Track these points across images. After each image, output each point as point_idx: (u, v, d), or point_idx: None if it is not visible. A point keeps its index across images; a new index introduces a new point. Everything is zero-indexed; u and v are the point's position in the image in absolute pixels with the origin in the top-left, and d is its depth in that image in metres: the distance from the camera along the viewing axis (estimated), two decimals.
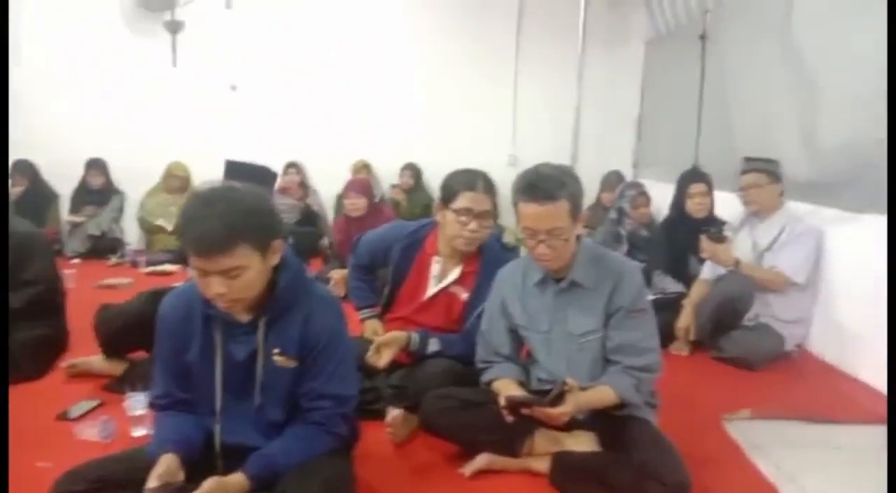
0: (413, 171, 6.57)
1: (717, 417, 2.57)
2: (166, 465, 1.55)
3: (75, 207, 6.24)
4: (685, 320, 3.39)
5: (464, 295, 2.47)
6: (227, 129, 6.40)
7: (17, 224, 3.14)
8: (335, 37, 6.60)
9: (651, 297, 3.72)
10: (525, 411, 1.94)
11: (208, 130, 6.39)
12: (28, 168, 6.10)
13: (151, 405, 1.82)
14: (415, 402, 2.24)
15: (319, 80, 6.61)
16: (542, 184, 1.95)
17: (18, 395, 2.70)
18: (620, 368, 2.05)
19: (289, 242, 3.37)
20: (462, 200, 2.35)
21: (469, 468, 2.09)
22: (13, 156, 6.04)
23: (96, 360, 2.90)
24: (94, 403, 2.61)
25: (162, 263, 5.48)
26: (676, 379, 2.99)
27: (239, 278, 1.50)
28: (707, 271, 3.49)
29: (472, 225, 2.36)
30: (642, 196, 4.22)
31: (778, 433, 2.41)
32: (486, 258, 2.46)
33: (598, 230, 4.50)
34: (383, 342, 2.32)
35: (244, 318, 1.65)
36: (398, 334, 2.37)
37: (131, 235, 6.39)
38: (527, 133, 6.75)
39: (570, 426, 2.08)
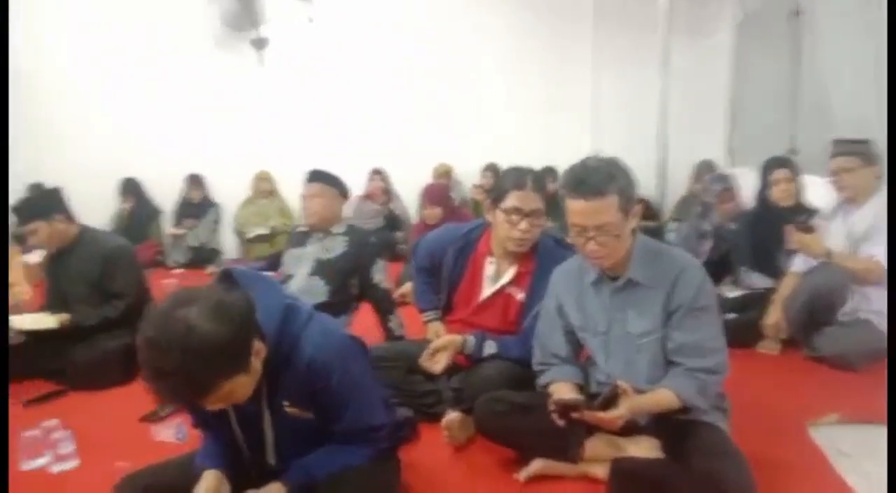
0: (493, 171, 6.53)
1: (803, 421, 2.38)
2: (208, 481, 1.59)
3: (177, 220, 6.63)
4: (774, 316, 3.16)
5: (519, 296, 2.42)
6: (312, 139, 6.59)
7: (109, 239, 3.37)
8: (414, 45, 6.68)
9: (737, 293, 3.56)
10: (575, 414, 1.87)
11: (294, 141, 6.62)
12: (134, 186, 6.57)
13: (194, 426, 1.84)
14: (472, 405, 2.20)
15: (400, 86, 6.72)
16: (589, 178, 1.87)
17: (109, 400, 2.91)
18: (682, 370, 1.93)
19: (371, 240, 3.39)
20: (511, 200, 2.30)
21: (524, 474, 2.04)
22: (121, 175, 6.53)
23: None
24: (168, 408, 2.74)
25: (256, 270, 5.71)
26: (761, 380, 2.82)
27: (229, 397, 1.43)
28: (798, 264, 3.24)
29: (523, 225, 2.30)
30: (728, 192, 3.99)
31: (867, 439, 2.20)
32: (541, 257, 2.40)
33: (683, 225, 4.30)
34: (438, 346, 2.31)
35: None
36: (453, 338, 2.35)
37: (228, 245, 6.70)
38: (609, 128, 6.56)
39: (632, 430, 1.99)
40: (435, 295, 2.70)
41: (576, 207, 1.90)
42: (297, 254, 3.16)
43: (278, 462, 1.66)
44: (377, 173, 6.52)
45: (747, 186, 4.05)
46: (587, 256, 1.97)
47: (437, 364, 2.30)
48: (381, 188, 6.46)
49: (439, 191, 4.80)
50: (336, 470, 1.61)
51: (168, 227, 6.62)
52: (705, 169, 5.61)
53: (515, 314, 2.43)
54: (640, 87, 6.45)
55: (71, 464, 2.25)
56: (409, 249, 5.50)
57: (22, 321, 3.12)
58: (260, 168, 6.56)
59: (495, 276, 2.45)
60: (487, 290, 2.46)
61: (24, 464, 2.25)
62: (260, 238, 6.33)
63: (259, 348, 1.45)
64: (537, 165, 4.85)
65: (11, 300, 4.16)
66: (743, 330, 3.16)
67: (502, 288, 2.44)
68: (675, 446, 1.92)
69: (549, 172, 6.07)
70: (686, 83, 6.39)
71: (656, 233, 5.09)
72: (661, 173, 5.65)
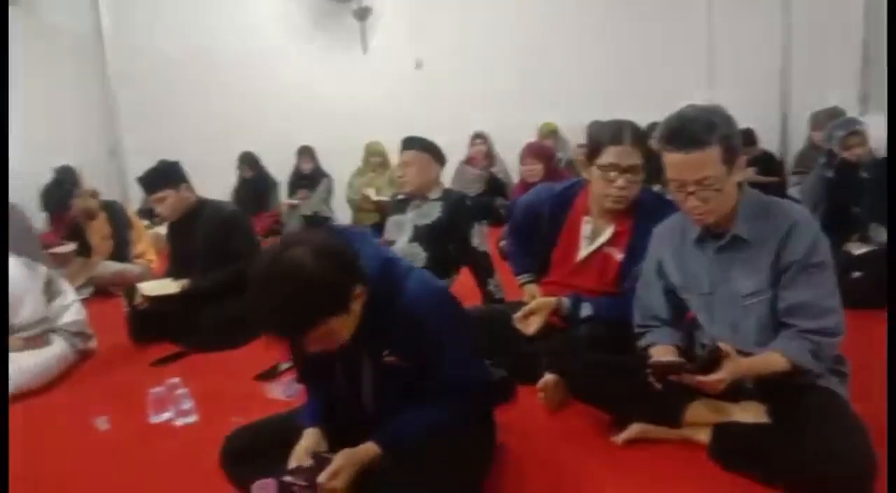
0: None
1: None
2: (309, 440, 1.65)
3: (291, 191, 6.92)
4: None
5: (618, 256, 2.33)
6: (415, 105, 6.63)
7: (224, 207, 3.58)
8: (514, 6, 6.51)
9: (865, 250, 3.27)
10: (673, 377, 1.80)
11: (398, 108, 6.68)
12: (252, 159, 6.91)
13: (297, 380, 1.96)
14: (567, 367, 2.17)
15: (501, 49, 6.59)
16: (688, 129, 1.76)
17: (227, 360, 3.10)
18: (794, 331, 1.80)
19: (467, 204, 3.41)
20: (607, 155, 2.20)
21: (622, 437, 1.98)
22: (239, 148, 6.88)
23: None
24: (287, 365, 2.88)
25: None
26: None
27: (329, 338, 1.49)
28: None
29: (620, 181, 2.20)
30: (855, 136, 3.63)
31: None
32: (640, 215, 2.29)
33: (808, 177, 3.98)
34: (532, 309, 2.27)
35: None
36: (546, 300, 2.30)
37: (340, 214, 6.92)
38: (725, 76, 6.14)
39: (738, 395, 1.88)
40: (529, 257, 2.65)
41: (674, 161, 1.79)
42: (398, 221, 3.21)
43: (375, 414, 1.70)
44: (479, 137, 6.48)
45: (880, 137, 3.68)
46: (688, 212, 1.86)
47: (531, 326, 2.27)
48: (482, 152, 6.42)
49: (540, 147, 4.69)
50: (428, 430, 1.62)
51: (284, 197, 6.93)
52: (827, 116, 5.14)
53: (614, 275, 2.35)
54: (760, 31, 6.00)
55: (191, 419, 2.43)
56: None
57: (146, 287, 3.37)
58: (368, 138, 6.68)
59: (592, 235, 2.37)
60: (584, 250, 2.39)
61: (153, 417, 2.44)
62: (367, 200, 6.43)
63: (360, 292, 1.51)
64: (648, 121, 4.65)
65: (139, 269, 4.53)
66: (871, 290, 2.90)
67: (600, 248, 2.36)
68: (785, 412, 1.80)
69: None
70: (811, 21, 5.87)
71: (779, 190, 4.75)
72: (783, 126, 5.25)
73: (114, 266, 4.50)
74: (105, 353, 3.29)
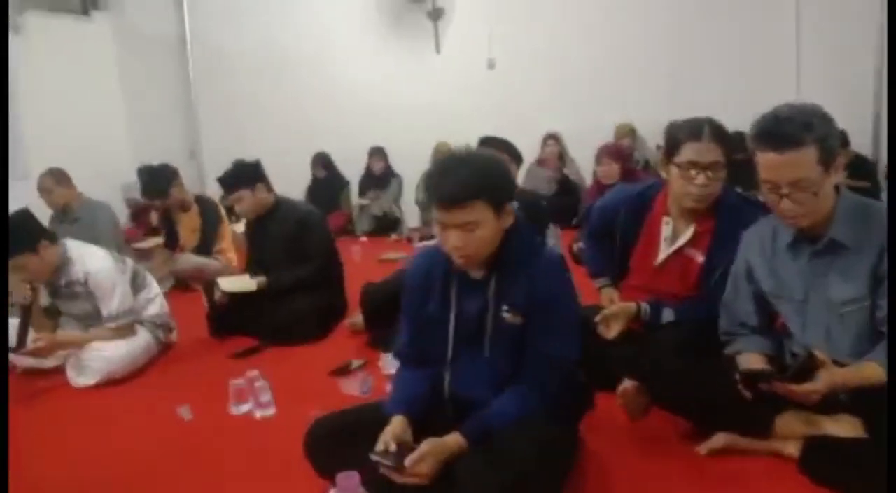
0: None
1: None
2: (395, 427, 1.67)
3: (362, 191, 7.03)
4: None
5: (699, 257, 2.25)
6: (487, 105, 6.62)
7: (302, 206, 3.66)
8: (588, 6, 6.41)
9: None
10: (764, 386, 1.72)
11: (470, 108, 6.69)
12: (325, 159, 7.05)
13: (396, 354, 1.98)
14: (648, 374, 2.11)
15: (575, 49, 6.50)
16: (782, 128, 1.69)
17: (302, 355, 3.16)
18: None
19: (542, 204, 3.42)
20: (686, 152, 2.13)
21: (705, 447, 1.92)
22: (314, 148, 7.03)
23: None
24: (360, 362, 2.93)
25: (433, 238, 5.91)
26: None
27: (474, 233, 1.59)
28: None
29: (700, 179, 2.12)
30: None
31: None
32: (722, 215, 2.21)
33: None
34: (611, 314, 2.22)
35: (477, 274, 1.73)
36: (626, 305, 2.25)
37: (409, 214, 6.98)
38: (814, 76, 5.86)
39: (831, 407, 1.79)
40: (606, 260, 2.60)
41: (767, 161, 1.72)
42: None
43: (472, 391, 1.73)
44: (552, 138, 6.42)
45: None
46: (781, 215, 1.79)
47: (611, 331, 2.21)
48: (555, 154, 6.35)
49: (617, 148, 4.61)
50: (511, 421, 1.62)
51: (355, 197, 7.04)
52: None
53: (695, 277, 2.27)
54: (854, 29, 5.70)
55: (270, 411, 2.48)
56: (583, 213, 5.38)
57: (226, 283, 3.48)
58: (437, 139, 6.70)
59: (673, 237, 2.30)
60: (664, 252, 2.32)
61: (233, 408, 2.51)
62: None
63: (510, 210, 1.66)
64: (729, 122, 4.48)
65: (219, 265, 4.67)
66: None
67: (680, 249, 2.29)
68: (882, 426, 1.70)
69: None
70: None
71: (871, 195, 4.51)
72: (875, 128, 4.98)
73: (196, 260, 4.66)
74: (185, 345, 3.41)
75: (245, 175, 3.49)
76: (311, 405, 2.47)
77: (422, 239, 5.96)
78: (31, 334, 2.90)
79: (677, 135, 2.17)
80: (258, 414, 2.47)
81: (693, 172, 2.12)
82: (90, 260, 2.99)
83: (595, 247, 2.64)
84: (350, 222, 6.82)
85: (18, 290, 2.90)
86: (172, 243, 4.97)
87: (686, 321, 2.22)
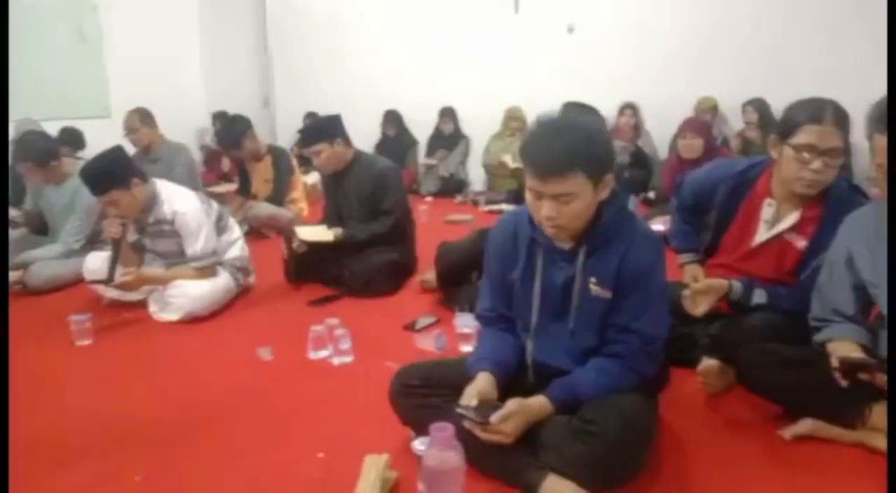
0: (757, 106, 5.90)
1: None
2: (482, 382, 1.68)
3: (430, 151, 7.02)
4: None
5: (800, 243, 2.17)
6: (563, 71, 6.49)
7: (380, 161, 3.67)
8: None
9: None
10: (863, 376, 1.68)
11: (547, 72, 6.57)
12: (395, 117, 7.07)
13: (478, 316, 1.97)
14: (732, 354, 2.08)
15: (657, 19, 6.28)
16: None
17: (376, 308, 3.22)
18: None
19: (625, 175, 3.38)
20: (804, 135, 2.03)
21: (790, 432, 1.89)
22: (385, 106, 7.04)
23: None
24: (432, 319, 2.96)
25: (498, 202, 5.91)
26: None
27: (569, 205, 1.55)
28: None
29: (816, 164, 2.03)
30: None
31: None
32: (831, 203, 2.12)
33: None
34: (701, 290, 2.18)
35: (566, 245, 1.70)
36: (718, 282, 2.20)
37: (475, 176, 6.96)
38: None
39: None
40: (694, 237, 2.54)
41: (884, 145, 1.64)
42: None
43: (574, 329, 1.73)
44: (628, 108, 6.26)
45: None
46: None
47: (699, 307, 2.17)
48: (629, 124, 6.20)
49: (702, 122, 4.46)
50: (598, 393, 1.62)
51: (422, 157, 7.05)
52: None
53: (792, 264, 2.20)
54: None
55: (348, 359, 2.54)
56: (660, 187, 5.26)
57: (305, 233, 3.54)
58: (511, 102, 6.62)
59: (773, 220, 2.23)
60: (762, 235, 2.25)
61: (312, 354, 2.58)
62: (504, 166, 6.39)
63: (608, 181, 1.60)
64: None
65: (290, 215, 4.76)
66: None
67: (780, 234, 2.22)
68: None
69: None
70: None
71: None
72: None
73: (268, 209, 4.76)
74: (262, 289, 3.51)
75: (325, 129, 3.51)
76: (387, 356, 2.55)
77: (487, 203, 5.96)
78: (119, 269, 3.03)
79: (796, 116, 2.08)
80: (336, 361, 2.53)
81: (808, 155, 2.03)
82: (179, 200, 3.08)
83: (684, 221, 2.58)
84: (416, 182, 6.84)
85: (110, 225, 3.01)
86: (245, 192, 5.08)
87: (776, 306, 2.17)
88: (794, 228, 2.18)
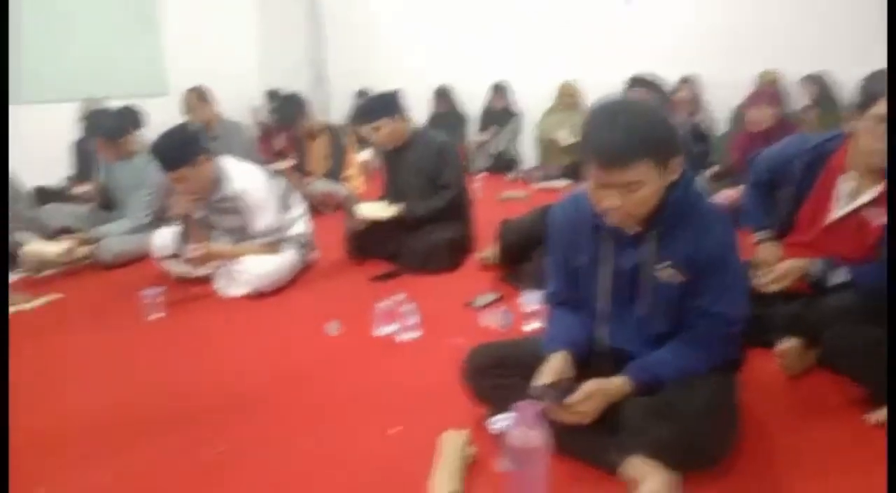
0: (819, 82, 5.66)
1: None
2: (557, 362, 1.66)
3: (481, 128, 6.97)
4: None
5: (880, 219, 2.09)
6: (620, 44, 6.35)
7: (438, 136, 3.66)
8: None
9: None
10: None
11: (602, 46, 6.43)
12: (446, 93, 7.03)
13: (546, 299, 1.94)
14: (812, 335, 2.02)
15: None
16: None
17: (437, 284, 3.22)
18: None
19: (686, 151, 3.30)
20: (883, 107, 1.94)
21: (875, 417, 1.83)
22: (436, 81, 7.00)
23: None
24: (494, 296, 2.95)
25: (553, 179, 5.85)
26: None
27: (635, 194, 1.48)
28: None
29: None
30: None
31: None
32: None
33: None
34: (781, 270, 2.11)
35: (633, 229, 1.65)
36: (796, 262, 2.13)
37: (527, 153, 6.88)
38: None
39: None
40: (769, 214, 2.46)
41: None
42: None
43: (631, 340, 1.70)
44: (685, 82, 6.09)
45: None
46: None
47: (775, 287, 2.11)
48: (687, 99, 6.03)
49: (771, 93, 4.29)
50: (681, 375, 1.59)
51: (473, 134, 7.00)
52: None
53: (873, 240, 2.11)
54: None
55: (415, 335, 2.56)
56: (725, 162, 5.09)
57: (365, 209, 3.56)
58: (565, 77, 6.50)
59: (852, 195, 2.14)
60: (839, 210, 2.17)
61: (378, 330, 2.61)
62: (570, 148, 6.29)
63: (676, 165, 1.53)
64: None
65: (346, 191, 4.80)
66: None
67: (858, 209, 2.13)
68: None
69: None
70: None
71: None
72: None
73: (325, 186, 4.81)
74: (324, 265, 3.55)
75: (384, 105, 3.51)
76: (451, 333, 2.56)
77: (541, 180, 5.90)
78: (188, 246, 3.09)
79: (875, 87, 1.99)
80: (402, 337, 2.55)
81: (885, 128, 1.94)
82: (245, 177, 3.13)
83: (758, 198, 2.50)
84: (467, 159, 6.79)
85: (178, 202, 3.08)
86: (301, 169, 5.13)
87: (858, 285, 2.09)
88: (875, 203, 2.09)
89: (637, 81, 3.10)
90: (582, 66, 6.45)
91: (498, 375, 1.79)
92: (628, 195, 1.49)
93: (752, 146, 3.81)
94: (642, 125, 1.45)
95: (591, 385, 1.58)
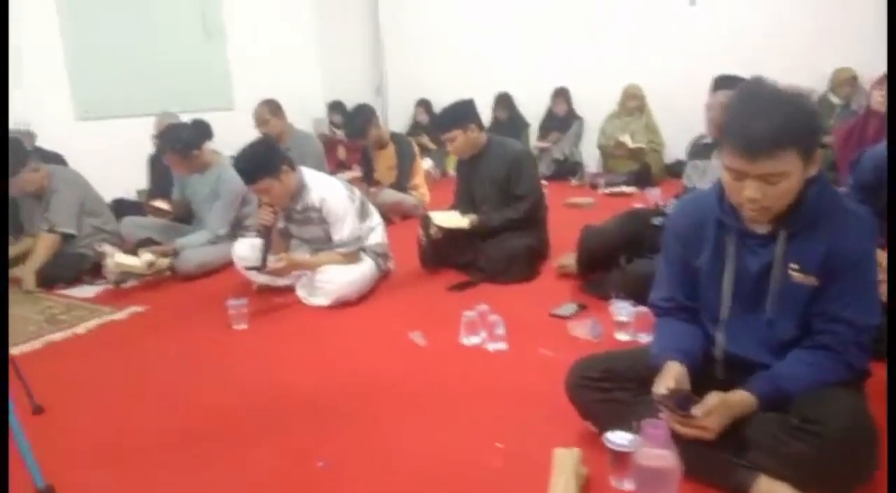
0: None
1: None
2: (673, 373, 1.59)
3: (542, 133, 6.90)
4: None
5: None
6: (685, 45, 6.21)
7: (514, 144, 3.63)
8: None
9: None
10: None
11: (666, 48, 6.31)
12: (507, 99, 7.00)
13: (652, 306, 1.86)
14: None
15: None
16: None
17: (515, 293, 3.18)
18: None
19: None
20: None
21: None
22: (496, 89, 6.97)
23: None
24: (575, 305, 2.89)
25: (618, 184, 5.74)
26: None
27: (777, 185, 1.41)
28: None
29: None
30: None
31: None
32: None
33: None
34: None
35: (762, 229, 1.57)
36: None
37: (589, 158, 6.78)
38: None
39: None
40: (876, 217, 2.34)
41: None
42: (702, 166, 3.02)
43: (771, 319, 1.60)
44: None
45: None
46: None
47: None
48: None
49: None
50: (805, 387, 1.50)
51: (534, 140, 6.94)
52: None
53: None
54: None
55: (502, 345, 2.51)
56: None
57: (439, 219, 3.53)
58: (628, 80, 6.39)
59: None
60: None
61: (465, 339, 2.57)
62: (637, 152, 6.17)
63: (818, 156, 1.46)
64: None
65: (414, 201, 4.79)
66: None
67: None
68: None
69: None
70: None
71: None
72: None
73: (394, 195, 4.82)
74: (400, 274, 3.54)
75: (459, 114, 3.49)
76: (539, 343, 2.51)
77: (607, 185, 5.80)
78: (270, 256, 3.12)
79: None
80: (490, 347, 2.51)
81: None
82: (325, 187, 3.15)
83: (860, 201, 2.37)
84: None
85: (262, 213, 3.11)
86: (369, 179, 5.16)
87: None
88: None
89: (724, 81, 2.98)
90: (645, 69, 6.34)
91: (606, 389, 1.74)
92: (769, 188, 1.42)
93: (856, 142, 3.68)
94: (792, 112, 1.39)
95: (714, 399, 1.50)
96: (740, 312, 1.65)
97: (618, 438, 1.55)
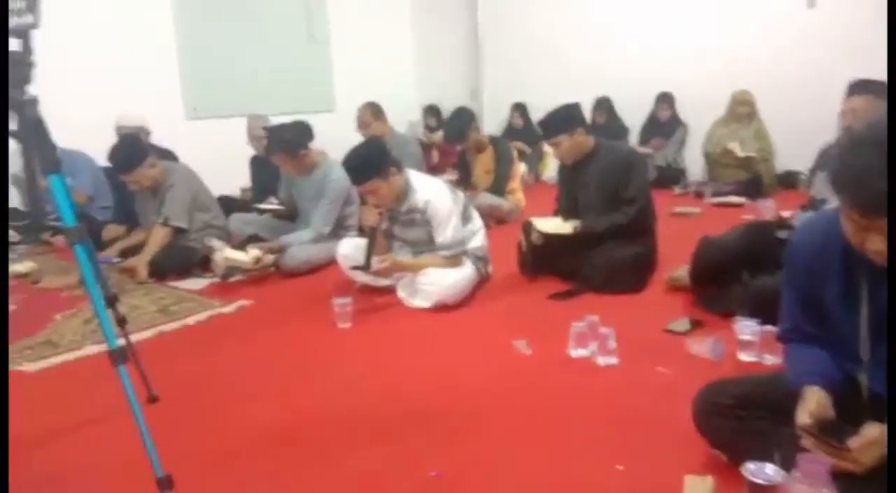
0: None
1: None
2: (817, 400, 1.44)
3: (644, 139, 6.68)
4: None
5: None
6: (800, 50, 5.86)
7: (623, 147, 3.51)
8: None
9: None
10: None
11: (780, 52, 5.97)
12: (607, 104, 6.82)
13: (779, 338, 1.71)
14: None
15: None
16: None
17: (622, 305, 3.04)
18: None
19: None
20: None
21: None
22: (595, 93, 6.80)
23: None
24: (690, 321, 2.73)
25: (726, 194, 5.47)
26: None
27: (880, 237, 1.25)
28: None
29: None
30: None
31: None
32: None
33: None
34: None
35: None
36: None
37: (693, 165, 6.51)
38: None
39: None
40: None
41: None
42: None
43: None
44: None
45: None
46: None
47: None
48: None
49: None
50: None
51: (634, 145, 6.72)
52: None
53: None
54: None
55: (613, 359, 2.40)
56: None
57: (542, 225, 3.44)
58: (736, 86, 6.09)
59: None
60: None
61: (573, 351, 2.48)
62: (746, 161, 5.86)
63: None
64: None
65: (509, 205, 4.71)
66: None
67: None
68: None
69: None
70: None
71: None
72: None
73: (490, 199, 4.76)
74: (499, 280, 3.47)
75: (565, 119, 3.38)
76: (653, 360, 2.38)
77: (714, 194, 5.54)
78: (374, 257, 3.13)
79: None
80: (601, 361, 2.40)
81: None
82: (430, 190, 3.13)
83: None
84: None
85: (367, 213, 3.12)
86: (466, 182, 5.12)
87: None
88: None
89: (860, 86, 2.77)
90: (755, 72, 6.02)
91: (740, 417, 1.61)
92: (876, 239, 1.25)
93: None
94: None
95: (874, 430, 1.34)
96: (883, 353, 1.49)
97: (762, 470, 1.42)
